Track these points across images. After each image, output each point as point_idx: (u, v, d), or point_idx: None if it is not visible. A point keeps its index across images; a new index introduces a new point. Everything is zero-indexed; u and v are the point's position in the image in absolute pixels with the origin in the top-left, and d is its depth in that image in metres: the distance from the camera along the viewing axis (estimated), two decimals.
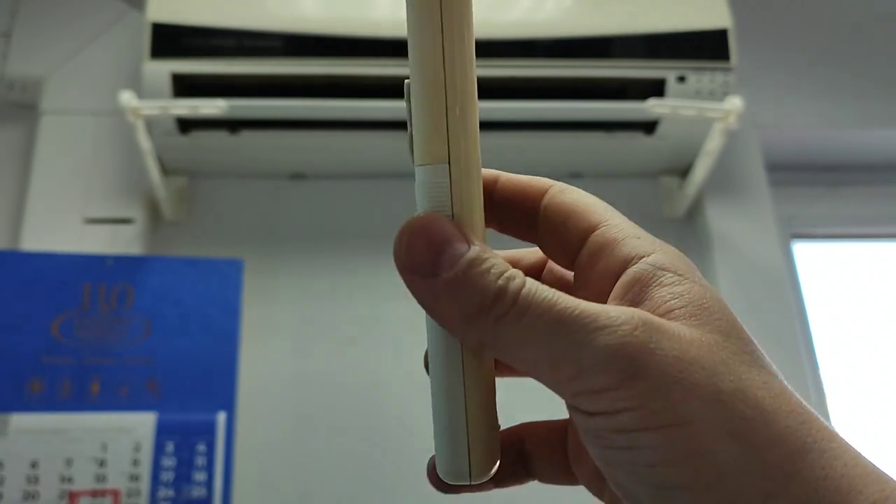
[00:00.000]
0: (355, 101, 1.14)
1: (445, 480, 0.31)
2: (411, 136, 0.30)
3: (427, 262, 0.27)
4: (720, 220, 1.30)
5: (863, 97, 1.46)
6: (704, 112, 1.12)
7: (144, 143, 1.11)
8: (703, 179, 1.26)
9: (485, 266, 0.27)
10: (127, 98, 1.06)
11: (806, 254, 1.50)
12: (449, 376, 0.30)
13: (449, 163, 0.28)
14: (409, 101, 0.30)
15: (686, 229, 1.34)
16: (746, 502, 0.23)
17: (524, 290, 0.26)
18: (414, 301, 0.28)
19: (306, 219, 1.29)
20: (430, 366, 0.31)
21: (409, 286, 0.28)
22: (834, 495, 0.23)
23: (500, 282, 0.26)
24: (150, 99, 1.10)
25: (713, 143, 1.17)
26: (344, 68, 1.15)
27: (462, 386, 0.30)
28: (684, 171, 1.32)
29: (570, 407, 0.27)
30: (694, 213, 1.34)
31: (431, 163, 0.29)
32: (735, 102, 1.11)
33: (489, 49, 1.16)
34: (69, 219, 1.20)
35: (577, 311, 0.25)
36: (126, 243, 1.18)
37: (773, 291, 1.27)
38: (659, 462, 0.24)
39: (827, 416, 1.34)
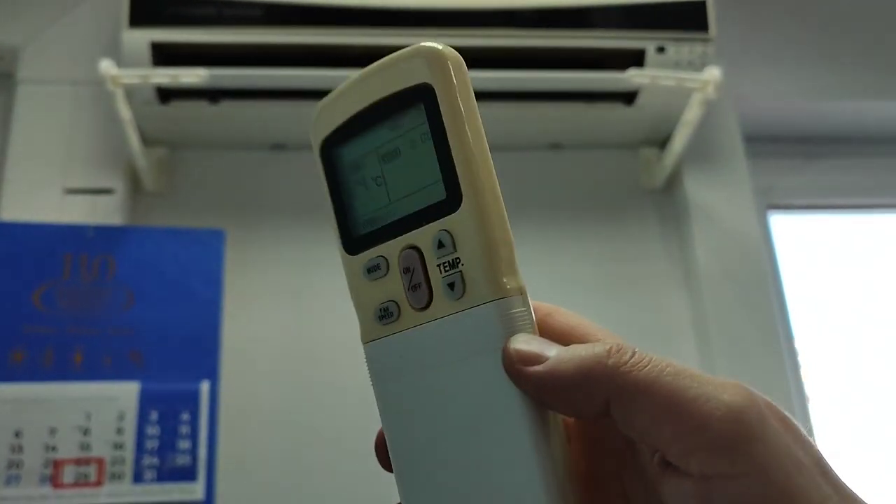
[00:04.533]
0: (337, 70, 1.14)
1: None
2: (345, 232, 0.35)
3: (535, 354, 0.30)
4: (698, 190, 1.32)
5: (840, 69, 1.47)
6: (683, 82, 1.13)
7: (124, 112, 1.10)
8: (682, 150, 1.27)
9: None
10: (106, 66, 1.05)
11: (782, 224, 1.52)
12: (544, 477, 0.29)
13: (523, 293, 0.31)
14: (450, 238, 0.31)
15: (664, 200, 1.35)
16: None
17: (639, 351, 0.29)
18: None
19: (287, 189, 1.29)
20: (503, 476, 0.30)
21: (520, 377, 0.29)
22: None
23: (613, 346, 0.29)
24: (129, 68, 1.10)
25: (692, 114, 1.18)
26: (325, 37, 1.15)
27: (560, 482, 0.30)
28: (663, 143, 1.33)
29: (665, 472, 0.28)
30: (672, 183, 1.35)
31: (510, 295, 0.31)
32: (713, 72, 1.12)
33: (469, 19, 1.16)
34: (49, 189, 1.20)
35: (695, 371, 0.28)
36: (107, 214, 1.18)
37: (750, 262, 1.28)
38: None
39: (802, 387, 1.36)
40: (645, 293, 1.27)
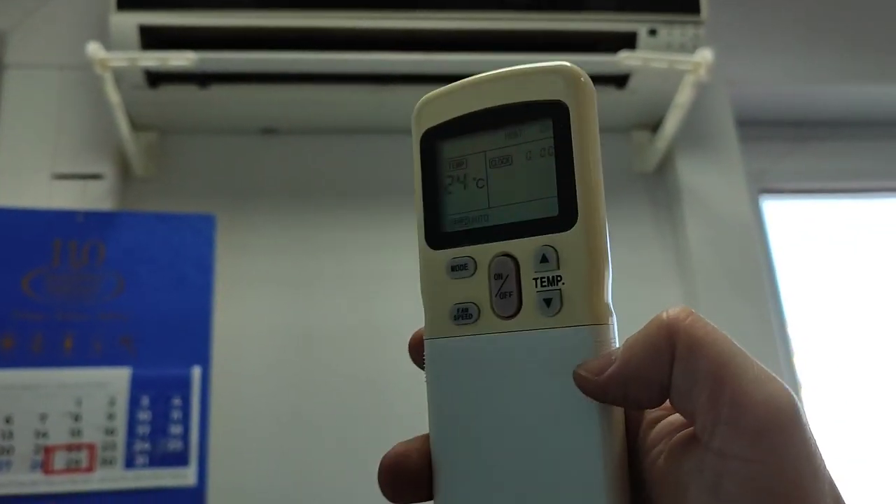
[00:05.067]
0: (327, 54, 1.13)
1: None
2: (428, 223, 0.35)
3: (603, 361, 0.31)
4: (690, 174, 1.32)
5: (832, 52, 1.47)
6: (675, 64, 1.13)
7: (113, 96, 1.09)
8: (674, 133, 1.26)
9: None
10: (94, 49, 1.04)
11: (774, 209, 1.52)
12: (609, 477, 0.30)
13: (614, 323, 0.32)
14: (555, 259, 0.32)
15: (656, 184, 1.35)
16: None
17: None
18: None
19: (278, 174, 1.28)
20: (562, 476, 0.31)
21: (597, 386, 0.30)
22: None
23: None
24: (117, 51, 1.09)
25: (683, 96, 1.18)
26: (316, 20, 1.14)
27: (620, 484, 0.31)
28: (655, 126, 1.33)
29: (688, 446, 0.30)
30: (664, 167, 1.35)
31: (606, 323, 0.32)
32: (705, 54, 1.11)
33: (461, 1, 1.15)
34: (37, 175, 1.19)
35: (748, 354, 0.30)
36: (96, 199, 1.17)
37: (742, 245, 1.28)
38: None
39: (794, 373, 1.37)
40: (636, 277, 1.27)
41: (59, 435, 0.96)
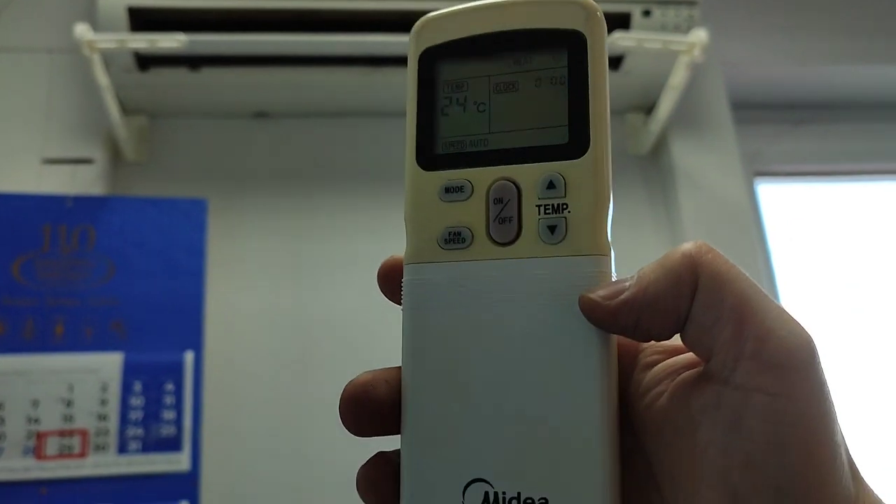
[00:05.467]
0: (319, 36, 1.12)
1: None
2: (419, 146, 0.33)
3: (615, 289, 0.30)
4: (685, 156, 1.31)
5: (827, 34, 1.46)
6: (669, 45, 1.12)
7: (102, 79, 1.08)
8: (668, 115, 1.26)
9: None
10: (82, 30, 1.03)
11: (769, 191, 1.52)
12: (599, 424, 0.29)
13: (611, 255, 0.31)
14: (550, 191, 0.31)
15: (651, 166, 1.34)
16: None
17: None
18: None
19: (270, 158, 1.28)
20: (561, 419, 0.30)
21: (606, 312, 0.29)
22: None
23: None
24: (105, 32, 1.07)
25: (678, 78, 1.17)
26: (308, 1, 1.13)
27: (609, 435, 0.29)
28: (649, 108, 1.32)
29: (698, 384, 0.29)
30: (659, 149, 1.34)
31: (598, 254, 0.31)
32: (700, 35, 1.11)
33: None
34: (27, 159, 1.18)
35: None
36: (86, 184, 1.16)
37: (737, 228, 1.28)
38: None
39: None
40: (631, 259, 1.26)
41: (51, 421, 0.96)
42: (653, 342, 0.32)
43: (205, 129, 1.28)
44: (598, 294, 0.29)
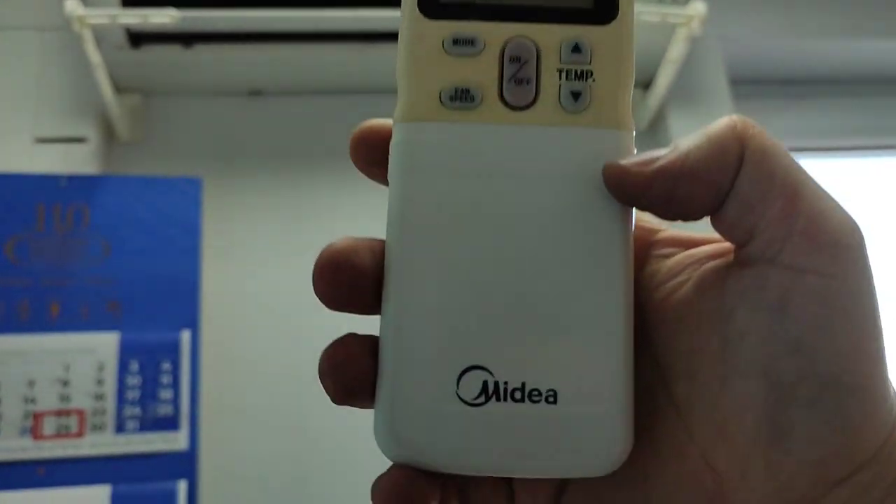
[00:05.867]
0: (314, 11, 1.11)
1: (576, 472, 0.26)
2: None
3: (647, 157, 0.27)
4: (683, 132, 1.29)
5: (827, 8, 1.45)
6: (667, 17, 1.11)
7: (94, 56, 1.07)
8: (666, 90, 1.25)
9: None
10: (72, 6, 1.01)
11: None
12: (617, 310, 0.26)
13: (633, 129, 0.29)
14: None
15: (648, 141, 1.34)
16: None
17: None
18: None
19: (266, 136, 1.27)
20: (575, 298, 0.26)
21: (637, 178, 0.26)
22: None
23: None
24: (96, 7, 1.06)
25: (676, 51, 1.16)
26: None
27: (625, 323, 0.26)
28: (647, 83, 1.31)
29: (733, 266, 0.26)
30: (656, 125, 1.33)
31: (624, 129, 0.28)
32: (698, 7, 1.09)
33: None
34: (19, 138, 1.17)
35: None
36: (80, 163, 1.15)
37: None
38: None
39: None
40: None
41: (47, 401, 0.96)
42: (668, 233, 0.30)
43: (199, 108, 1.27)
44: (631, 161, 0.26)
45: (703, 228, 0.29)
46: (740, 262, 0.26)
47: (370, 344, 0.26)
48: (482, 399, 0.25)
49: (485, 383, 0.25)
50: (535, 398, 0.25)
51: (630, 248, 0.27)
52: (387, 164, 0.28)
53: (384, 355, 0.26)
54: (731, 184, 0.25)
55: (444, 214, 0.27)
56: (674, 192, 0.26)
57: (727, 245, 0.27)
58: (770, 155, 0.25)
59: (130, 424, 0.96)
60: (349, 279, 0.26)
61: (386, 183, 0.28)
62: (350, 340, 0.26)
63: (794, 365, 0.24)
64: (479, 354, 0.26)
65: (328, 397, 0.26)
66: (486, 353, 0.26)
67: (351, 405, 0.26)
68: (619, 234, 0.27)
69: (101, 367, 0.98)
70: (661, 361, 0.27)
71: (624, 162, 0.26)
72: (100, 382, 0.97)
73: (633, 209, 0.28)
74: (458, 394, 0.25)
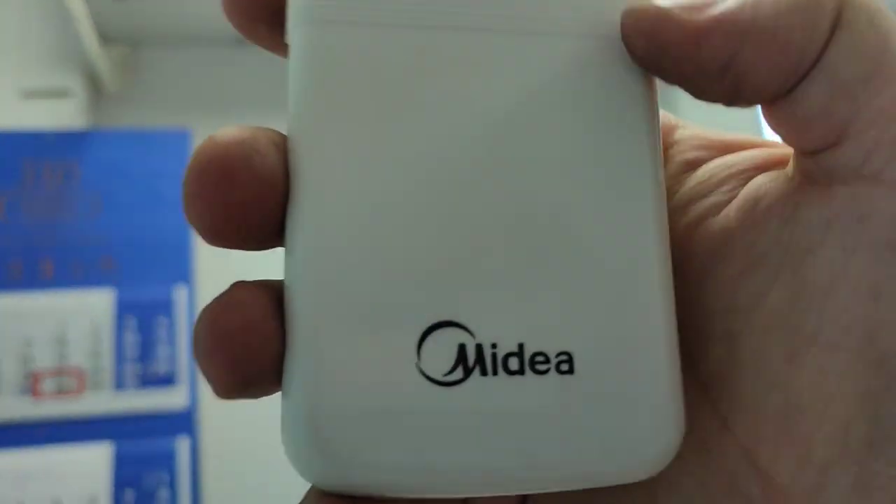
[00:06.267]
0: None
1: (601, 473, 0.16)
2: None
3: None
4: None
5: None
6: None
7: (78, 7, 1.04)
8: None
9: None
10: None
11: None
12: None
13: None
14: None
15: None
16: None
17: None
18: None
19: (254, 85, 1.24)
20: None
21: (671, 24, 0.16)
22: None
23: None
24: None
25: None
26: None
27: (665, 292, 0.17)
28: None
29: (819, 181, 0.17)
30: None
31: None
32: None
33: None
34: (4, 94, 1.14)
35: None
36: (67, 118, 1.13)
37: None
38: None
39: None
40: None
41: (45, 360, 0.95)
42: (691, 130, 0.21)
43: (186, 58, 1.25)
44: (673, 5, 0.17)
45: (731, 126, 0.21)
46: (817, 176, 0.17)
47: (272, 297, 0.16)
48: (459, 374, 0.16)
49: (461, 349, 0.16)
50: (541, 366, 0.16)
51: (659, 143, 0.18)
52: (278, 17, 0.18)
53: (295, 313, 0.16)
54: (819, 52, 0.16)
55: (378, 91, 0.17)
56: (736, 55, 0.16)
57: (785, 150, 0.19)
58: (880, 17, 0.16)
59: (129, 381, 0.96)
60: (250, 193, 0.16)
61: (278, 49, 0.19)
62: (241, 296, 0.16)
63: None
64: (450, 303, 0.16)
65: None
66: (460, 300, 0.16)
67: (247, 397, 0.16)
68: (645, 122, 0.18)
69: (97, 325, 0.97)
70: (680, 316, 0.18)
71: (660, 5, 0.17)
72: (97, 340, 0.97)
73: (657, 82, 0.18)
74: (419, 368, 0.15)
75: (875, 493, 0.16)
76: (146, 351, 0.97)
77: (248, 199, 0.16)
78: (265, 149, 0.16)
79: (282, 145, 0.17)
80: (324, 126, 0.17)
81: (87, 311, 0.97)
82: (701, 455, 0.18)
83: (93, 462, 0.92)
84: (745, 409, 0.17)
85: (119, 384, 0.95)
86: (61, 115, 1.13)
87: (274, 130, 0.17)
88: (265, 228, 0.16)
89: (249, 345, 0.16)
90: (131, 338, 0.97)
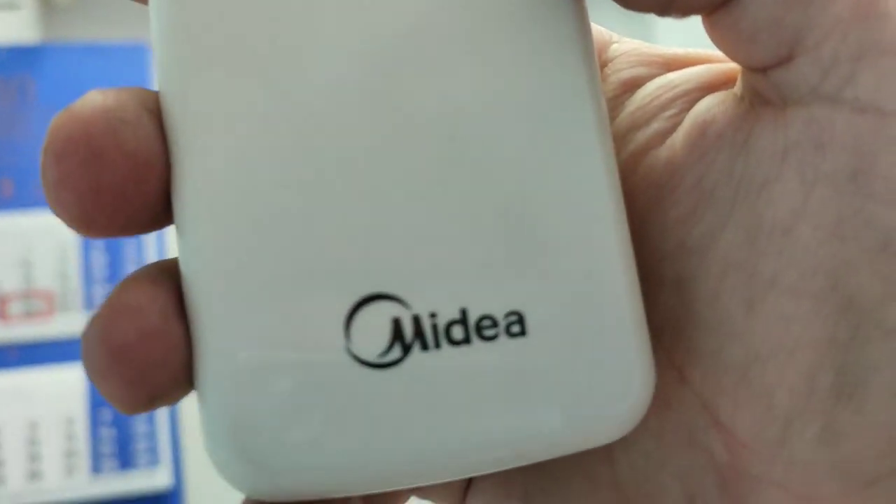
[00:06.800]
0: None
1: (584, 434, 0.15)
2: None
3: None
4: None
5: None
6: None
7: None
8: None
9: None
10: None
11: None
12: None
13: None
14: None
15: None
16: None
17: None
18: None
19: None
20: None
21: None
22: None
23: None
24: None
25: None
26: None
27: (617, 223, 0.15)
28: None
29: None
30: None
31: None
32: None
33: None
34: None
35: None
36: (16, 31, 1.09)
37: None
38: None
39: None
40: None
41: (13, 282, 0.94)
42: (627, 45, 0.18)
43: None
44: None
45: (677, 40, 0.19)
46: (769, 96, 0.15)
47: (171, 291, 0.14)
48: (397, 352, 0.14)
49: (396, 323, 0.14)
50: (489, 331, 0.14)
51: (595, 61, 0.15)
52: None
53: (197, 306, 0.13)
54: None
55: (262, 22, 0.14)
56: None
57: (733, 66, 0.16)
58: None
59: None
60: (123, 172, 0.13)
61: None
62: (135, 298, 0.13)
63: (882, 274, 0.14)
64: (376, 272, 0.14)
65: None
66: (387, 267, 0.14)
67: (158, 408, 0.14)
68: (575, 38, 0.15)
69: (64, 246, 0.96)
70: None
71: None
72: (64, 261, 0.95)
73: None
74: (350, 351, 0.13)
75: (842, 443, 0.15)
76: (116, 272, 0.96)
77: (122, 180, 0.13)
78: (135, 116, 0.14)
79: (156, 109, 0.14)
80: (201, 79, 0.14)
81: (52, 231, 0.95)
82: (657, 408, 0.16)
83: (68, 384, 0.92)
84: (701, 360, 0.16)
85: (89, 304, 0.95)
86: (10, 30, 1.09)
87: (145, 90, 0.14)
88: (148, 210, 0.14)
89: (150, 357, 0.13)
90: (99, 258, 0.96)
